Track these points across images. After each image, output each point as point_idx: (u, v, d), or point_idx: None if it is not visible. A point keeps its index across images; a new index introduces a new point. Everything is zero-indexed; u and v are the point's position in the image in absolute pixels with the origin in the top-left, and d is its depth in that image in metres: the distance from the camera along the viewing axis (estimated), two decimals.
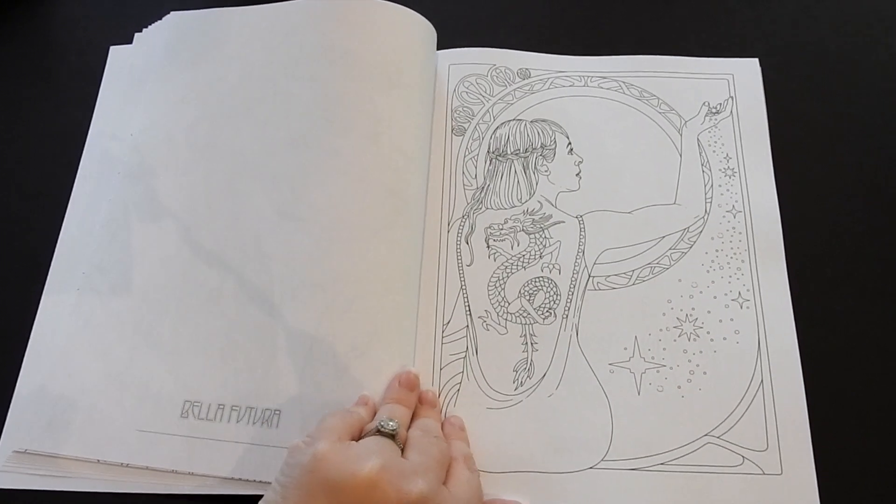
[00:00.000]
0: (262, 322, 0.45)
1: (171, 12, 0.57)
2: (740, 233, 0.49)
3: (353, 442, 0.38)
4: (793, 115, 0.54)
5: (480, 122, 0.54)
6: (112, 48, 0.58)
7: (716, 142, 0.53)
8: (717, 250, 0.49)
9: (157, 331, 0.46)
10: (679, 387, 0.45)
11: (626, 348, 0.46)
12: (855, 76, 0.56)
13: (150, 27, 0.57)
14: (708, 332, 0.46)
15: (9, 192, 0.54)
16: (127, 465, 0.43)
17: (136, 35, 0.58)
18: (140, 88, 0.55)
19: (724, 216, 0.50)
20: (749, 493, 0.42)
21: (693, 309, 0.47)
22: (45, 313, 0.48)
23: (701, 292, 0.48)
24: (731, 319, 0.47)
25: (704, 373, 0.45)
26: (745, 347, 0.46)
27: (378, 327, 0.45)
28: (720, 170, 0.51)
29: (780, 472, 0.42)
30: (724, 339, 0.46)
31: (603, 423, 0.44)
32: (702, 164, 0.52)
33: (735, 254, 0.49)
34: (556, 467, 0.43)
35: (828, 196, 0.51)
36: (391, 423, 0.39)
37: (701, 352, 0.46)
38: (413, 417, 0.43)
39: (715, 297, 0.47)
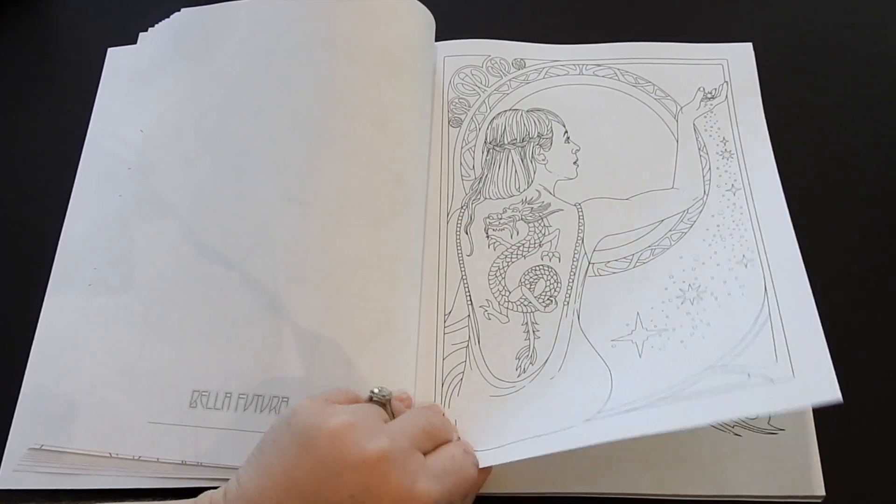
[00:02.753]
0: (269, 308, 0.45)
1: (182, 9, 0.57)
2: (741, 206, 0.48)
3: (338, 404, 0.38)
4: (788, 102, 0.54)
5: (477, 112, 0.54)
6: (110, 50, 0.58)
7: (711, 126, 0.53)
8: (717, 225, 0.48)
9: (166, 321, 0.46)
10: (682, 341, 0.43)
11: (627, 324, 0.46)
12: (851, 63, 0.56)
13: (156, 26, 0.58)
14: (712, 294, 0.45)
15: (7, 191, 0.55)
16: (139, 459, 0.43)
17: (141, 35, 0.58)
18: (147, 87, 0.55)
19: (723, 195, 0.49)
20: (761, 401, 0.38)
21: (696, 279, 0.46)
22: (51, 311, 0.48)
23: (703, 263, 0.46)
24: (736, 278, 0.45)
25: (708, 324, 0.43)
26: (751, 295, 0.43)
27: (386, 315, 0.45)
28: (717, 153, 0.51)
29: (792, 376, 0.38)
30: (729, 294, 0.44)
31: (602, 387, 0.43)
32: (699, 149, 0.52)
33: (737, 225, 0.48)
34: (552, 428, 0.42)
35: (829, 186, 0.51)
36: (384, 391, 0.39)
37: (705, 310, 0.44)
38: None
39: (718, 265, 0.46)
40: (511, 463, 0.40)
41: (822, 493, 0.41)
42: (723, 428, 0.43)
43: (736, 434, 0.43)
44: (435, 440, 0.38)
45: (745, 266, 0.45)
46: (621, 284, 0.47)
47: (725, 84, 0.54)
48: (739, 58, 0.55)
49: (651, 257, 0.48)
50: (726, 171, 0.50)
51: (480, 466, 0.40)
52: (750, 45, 0.55)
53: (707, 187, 0.50)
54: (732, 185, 0.50)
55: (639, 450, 0.43)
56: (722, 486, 0.42)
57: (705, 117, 0.53)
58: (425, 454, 0.37)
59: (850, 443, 0.43)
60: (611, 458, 0.43)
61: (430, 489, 0.35)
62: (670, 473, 0.42)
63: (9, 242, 0.53)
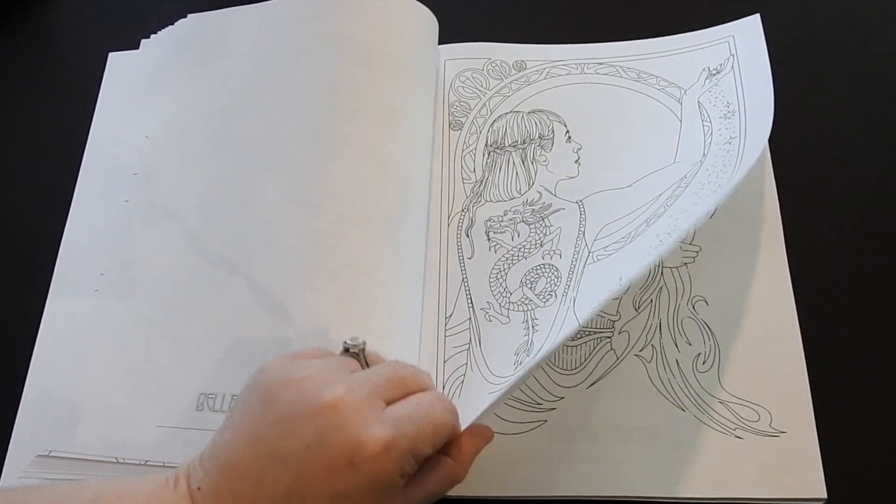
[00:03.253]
0: (274, 311, 0.46)
1: (189, 15, 0.57)
2: (734, 151, 0.46)
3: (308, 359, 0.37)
4: (788, 102, 0.53)
5: (477, 115, 0.54)
6: (111, 54, 0.58)
7: (716, 97, 0.51)
8: (709, 175, 0.46)
9: (172, 325, 0.47)
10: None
11: (609, 289, 0.43)
12: (851, 63, 0.55)
13: (159, 32, 0.58)
14: (680, 230, 0.42)
15: (7, 193, 0.55)
16: (146, 463, 0.43)
17: (143, 41, 0.58)
18: (152, 91, 0.55)
19: (721, 148, 0.47)
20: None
21: (676, 227, 0.43)
22: (53, 314, 0.49)
23: (686, 210, 0.44)
24: (704, 205, 0.43)
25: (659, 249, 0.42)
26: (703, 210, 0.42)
27: (390, 317, 0.45)
28: (720, 116, 0.49)
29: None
30: (688, 218, 0.43)
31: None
32: (702, 121, 0.50)
33: (725, 165, 0.45)
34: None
35: (829, 186, 0.51)
36: (357, 341, 0.38)
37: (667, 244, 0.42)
38: None
39: (697, 205, 0.44)
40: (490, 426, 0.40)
41: (824, 495, 0.41)
42: (724, 431, 0.43)
43: (737, 437, 0.43)
44: (403, 390, 0.36)
45: (715, 191, 0.43)
46: (615, 262, 0.46)
47: (731, 57, 0.52)
48: (746, 31, 0.53)
49: (647, 228, 0.46)
50: (727, 129, 0.48)
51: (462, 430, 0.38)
52: (758, 16, 0.53)
53: (707, 149, 0.48)
54: (730, 137, 0.47)
55: (640, 452, 0.43)
56: (723, 489, 0.42)
57: (710, 92, 0.51)
58: (392, 403, 0.36)
59: (851, 445, 0.43)
60: (611, 460, 0.43)
61: (382, 434, 0.33)
62: (671, 476, 0.42)
63: (9, 245, 0.53)
